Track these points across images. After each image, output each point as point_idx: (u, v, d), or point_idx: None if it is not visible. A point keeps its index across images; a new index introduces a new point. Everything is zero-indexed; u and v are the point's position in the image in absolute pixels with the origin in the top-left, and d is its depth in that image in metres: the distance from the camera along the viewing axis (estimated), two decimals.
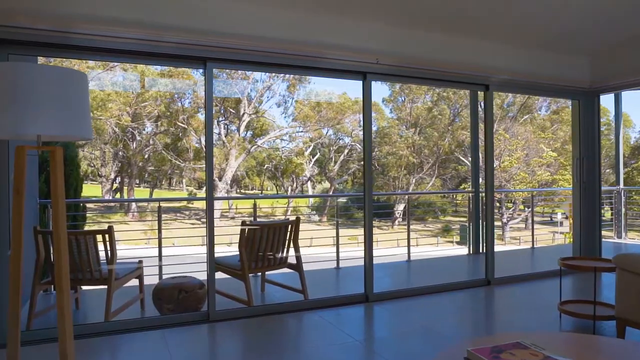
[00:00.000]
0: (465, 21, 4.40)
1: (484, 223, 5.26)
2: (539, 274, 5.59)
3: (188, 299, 4.17)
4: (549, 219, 39.56)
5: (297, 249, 4.67)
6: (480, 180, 7.58)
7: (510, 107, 37.27)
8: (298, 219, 4.65)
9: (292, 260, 4.72)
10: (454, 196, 56.39)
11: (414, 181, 34.16)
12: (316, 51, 4.04)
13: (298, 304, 4.33)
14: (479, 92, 7.34)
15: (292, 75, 31.57)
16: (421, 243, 25.28)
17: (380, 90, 41.85)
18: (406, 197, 34.42)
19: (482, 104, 5.35)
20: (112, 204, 36.83)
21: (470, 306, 4.49)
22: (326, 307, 4.31)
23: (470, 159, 38.01)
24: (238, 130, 29.73)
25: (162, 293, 4.20)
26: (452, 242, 26.75)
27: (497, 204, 37.82)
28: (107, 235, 3.96)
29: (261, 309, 4.20)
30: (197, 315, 4.00)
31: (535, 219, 35.84)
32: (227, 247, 20.33)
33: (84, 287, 4.64)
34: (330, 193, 36.68)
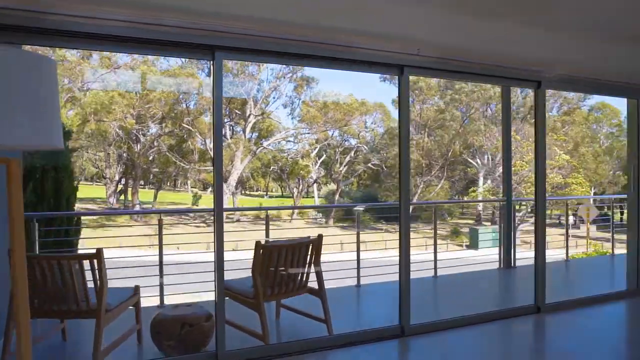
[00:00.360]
0: (522, 5, 3.70)
1: (536, 237, 4.50)
2: (599, 297, 4.83)
3: (192, 333, 3.52)
4: (557, 220, 38.70)
5: (319, 273, 4.00)
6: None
7: (520, 108, 36.53)
8: (320, 237, 3.98)
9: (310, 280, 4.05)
10: (462, 199, 55.61)
11: (422, 183, 33.48)
12: (344, 39, 3.37)
13: (322, 340, 3.66)
14: (511, 91, 6.66)
15: (299, 76, 30.98)
16: (429, 244, 24.58)
17: (388, 90, 41.20)
18: (414, 200, 33.72)
19: (514, 103, 4.64)
20: (116, 206, 36.38)
21: (529, 344, 3.78)
22: (355, 344, 3.65)
23: (478, 161, 37.07)
24: (244, 131, 29.14)
25: (162, 326, 3.56)
26: (461, 245, 26.04)
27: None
28: (95, 260, 3.31)
29: (279, 347, 3.53)
30: (204, 356, 3.35)
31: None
32: (232, 253, 19.66)
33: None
34: (337, 196, 36.04)
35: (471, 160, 39.39)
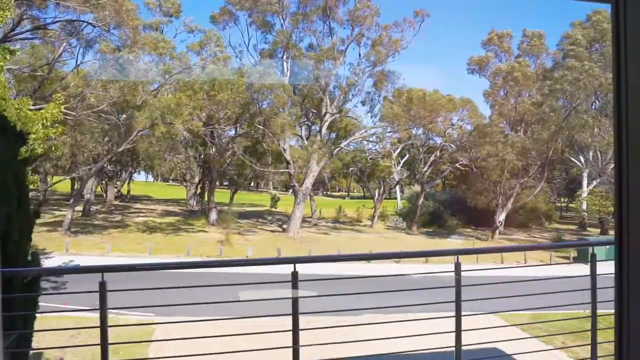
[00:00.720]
0: None
1: None
2: None
3: None
4: None
5: None
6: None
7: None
8: None
9: None
10: (564, 201, 49.91)
11: (517, 186, 29.78)
12: None
13: None
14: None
15: (379, 70, 28.76)
16: (530, 256, 21.34)
17: (477, 83, 37.52)
18: (509, 204, 30.08)
19: None
20: (196, 208, 36.40)
21: None
22: None
23: (581, 159, 32.05)
24: (320, 131, 27.46)
25: None
26: (567, 257, 22.38)
27: None
28: None
29: None
30: None
31: None
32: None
33: None
34: (421, 200, 33.28)
35: (573, 159, 34.74)
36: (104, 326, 2.48)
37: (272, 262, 2.54)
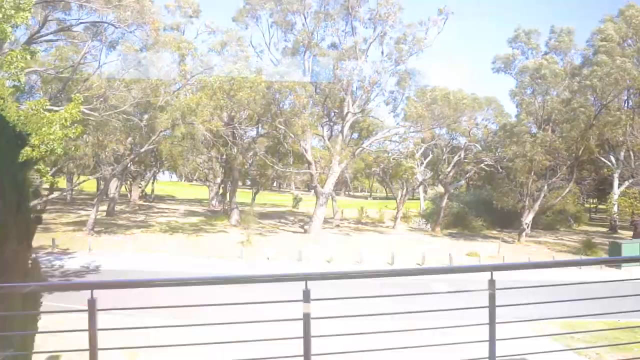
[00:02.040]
0: None
1: None
2: None
3: None
4: None
5: None
6: None
7: None
8: None
9: None
10: (593, 202, 48.23)
11: (545, 187, 28.84)
12: None
13: None
14: None
15: (402, 69, 28.23)
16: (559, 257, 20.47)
17: (504, 81, 36.64)
18: (536, 206, 29.16)
19: None
20: (218, 208, 36.45)
21: None
22: None
23: (612, 158, 30.72)
24: (342, 131, 27.09)
25: None
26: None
27: None
28: None
29: None
30: None
31: None
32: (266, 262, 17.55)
33: None
34: (445, 200, 32.57)
35: (603, 159, 33.44)
36: (93, 350, 2.23)
37: (282, 279, 2.30)
